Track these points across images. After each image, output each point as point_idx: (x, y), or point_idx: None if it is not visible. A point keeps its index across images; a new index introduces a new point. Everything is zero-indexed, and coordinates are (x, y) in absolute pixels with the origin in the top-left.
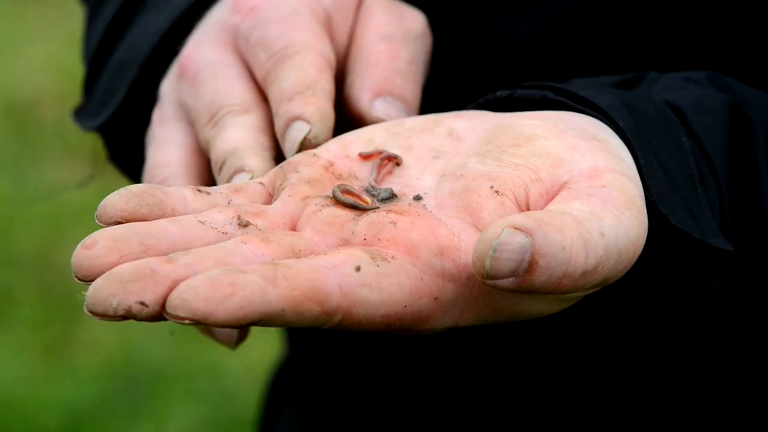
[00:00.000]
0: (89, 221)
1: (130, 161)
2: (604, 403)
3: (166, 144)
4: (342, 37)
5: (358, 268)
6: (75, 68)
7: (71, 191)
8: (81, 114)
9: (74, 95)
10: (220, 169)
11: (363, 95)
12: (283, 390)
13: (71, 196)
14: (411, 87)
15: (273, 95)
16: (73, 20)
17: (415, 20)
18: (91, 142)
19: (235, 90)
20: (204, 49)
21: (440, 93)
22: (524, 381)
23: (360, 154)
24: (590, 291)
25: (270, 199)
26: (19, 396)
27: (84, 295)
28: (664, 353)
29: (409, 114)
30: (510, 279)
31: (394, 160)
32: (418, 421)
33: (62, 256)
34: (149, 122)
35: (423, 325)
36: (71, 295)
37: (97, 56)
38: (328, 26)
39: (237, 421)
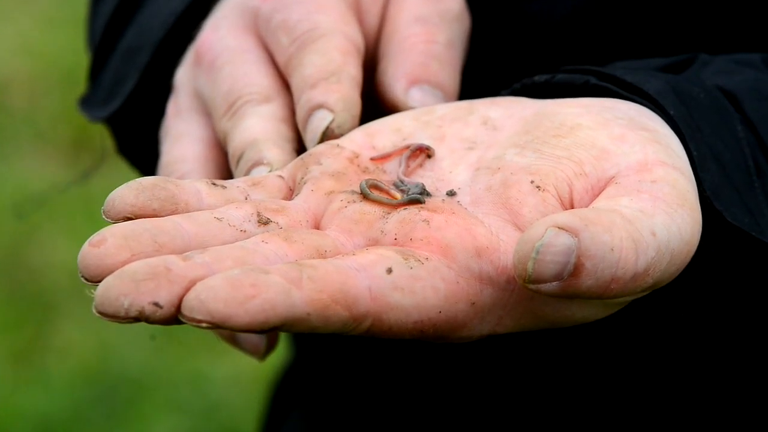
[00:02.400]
0: (63, 216)
1: (140, 154)
2: (624, 406)
3: (182, 138)
4: (372, 19)
5: (389, 270)
6: (48, 50)
7: (43, 183)
8: (87, 103)
9: (46, 79)
10: (238, 162)
11: (397, 83)
12: (289, 394)
13: (43, 188)
14: (449, 73)
15: (295, 82)
16: None
17: None
18: (67, 131)
19: (255, 77)
20: (222, 33)
21: (471, 77)
22: (542, 387)
23: (371, 158)
24: (640, 295)
25: (290, 193)
26: None
27: (92, 294)
28: (699, 351)
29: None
30: (554, 283)
31: (425, 152)
32: (428, 426)
33: (33, 253)
34: (162, 112)
35: (458, 333)
36: (43, 296)
37: (105, 40)
38: (357, 7)
39: None
